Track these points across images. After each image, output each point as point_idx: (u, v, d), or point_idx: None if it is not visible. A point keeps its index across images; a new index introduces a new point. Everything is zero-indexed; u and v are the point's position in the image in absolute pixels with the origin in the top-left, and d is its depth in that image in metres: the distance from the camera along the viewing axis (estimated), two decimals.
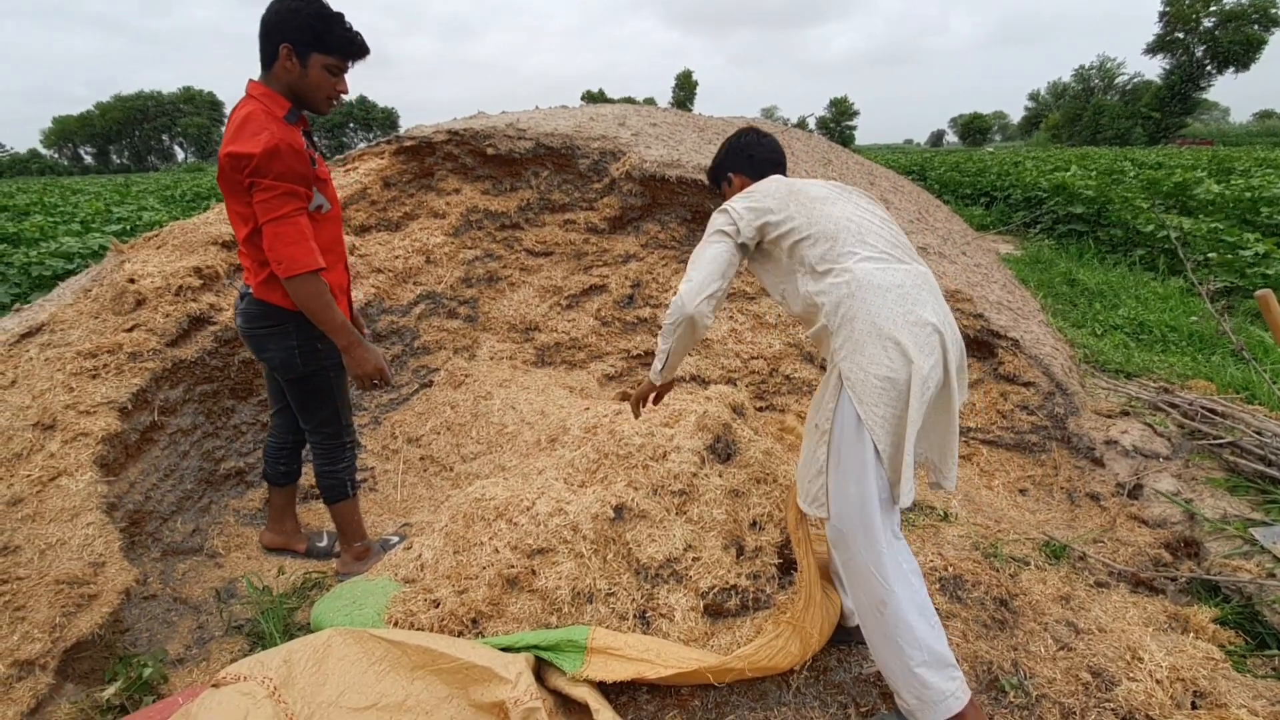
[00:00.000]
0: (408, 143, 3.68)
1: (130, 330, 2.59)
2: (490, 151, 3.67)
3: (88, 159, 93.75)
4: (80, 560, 2.00)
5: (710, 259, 1.82)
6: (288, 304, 2.10)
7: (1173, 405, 3.37)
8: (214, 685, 1.60)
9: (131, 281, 2.68)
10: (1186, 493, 2.77)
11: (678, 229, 3.77)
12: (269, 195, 1.91)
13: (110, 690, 1.85)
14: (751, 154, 2.11)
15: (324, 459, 2.40)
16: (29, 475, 2.15)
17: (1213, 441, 3.03)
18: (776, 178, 1.94)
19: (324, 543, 2.70)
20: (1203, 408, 3.27)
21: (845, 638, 2.00)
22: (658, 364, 1.92)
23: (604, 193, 3.73)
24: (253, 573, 2.53)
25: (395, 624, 1.95)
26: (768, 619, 1.88)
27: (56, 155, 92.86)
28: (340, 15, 2.03)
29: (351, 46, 2.07)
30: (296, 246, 1.95)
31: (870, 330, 1.57)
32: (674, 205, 3.70)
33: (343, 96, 2.16)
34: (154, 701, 1.87)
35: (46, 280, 5.93)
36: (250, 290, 2.16)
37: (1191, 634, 2.09)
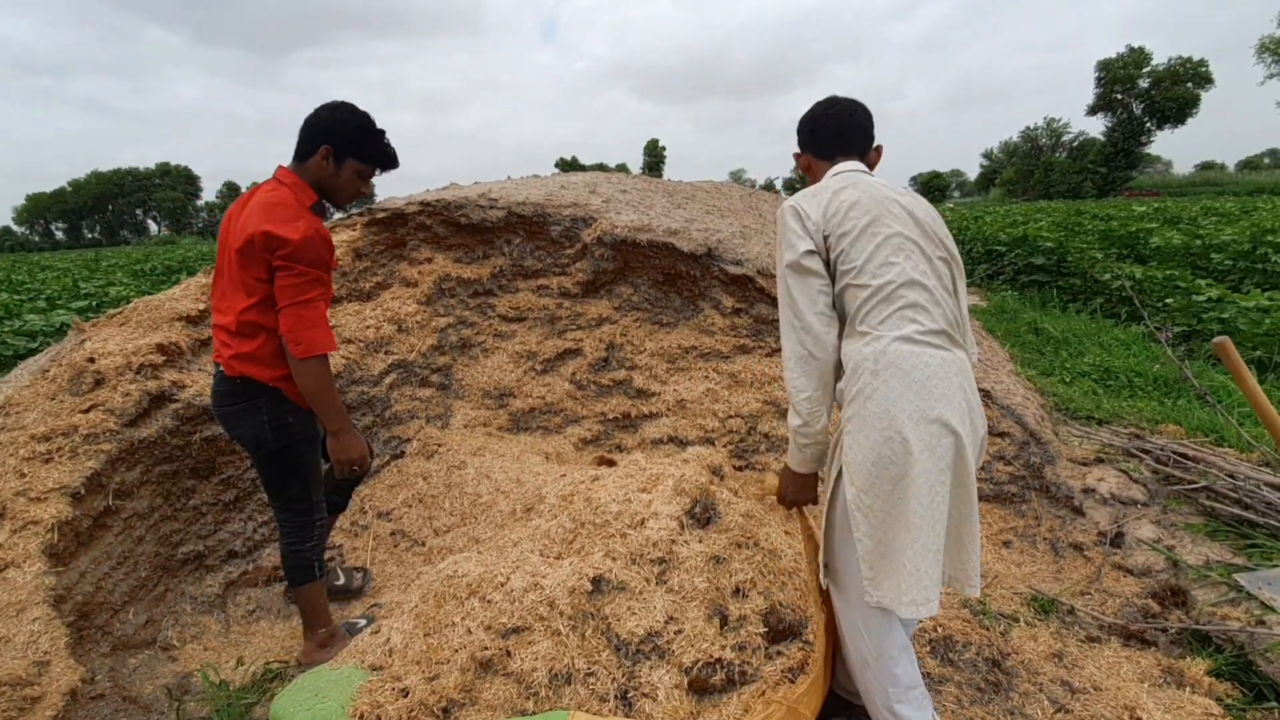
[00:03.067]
0: (380, 214, 3.71)
1: (87, 411, 2.50)
2: (463, 221, 3.71)
3: (59, 234, 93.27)
4: (24, 659, 1.87)
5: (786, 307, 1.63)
6: (260, 377, 2.11)
7: (1145, 451, 3.41)
8: None
9: (91, 361, 2.61)
10: (1168, 539, 2.77)
11: (650, 291, 3.80)
12: (299, 280, 2.01)
13: None
14: (814, 127, 1.82)
15: (291, 537, 2.31)
16: None
17: (1188, 486, 3.05)
18: (848, 190, 1.62)
19: (341, 580, 2.72)
20: (1174, 453, 3.31)
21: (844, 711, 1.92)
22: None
23: (576, 258, 3.77)
24: (209, 665, 2.38)
25: (360, 717, 1.83)
26: (755, 699, 1.79)
27: (28, 232, 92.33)
28: (382, 131, 2.21)
29: (385, 160, 2.24)
30: (317, 330, 2.05)
31: (881, 416, 1.48)
32: (646, 268, 3.74)
33: (364, 195, 2.33)
34: None
35: (7, 360, 5.78)
36: (220, 368, 2.16)
37: (1188, 688, 2.05)
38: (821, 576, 1.79)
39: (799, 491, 1.76)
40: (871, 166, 1.82)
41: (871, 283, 1.53)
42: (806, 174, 1.87)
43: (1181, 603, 2.47)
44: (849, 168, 1.73)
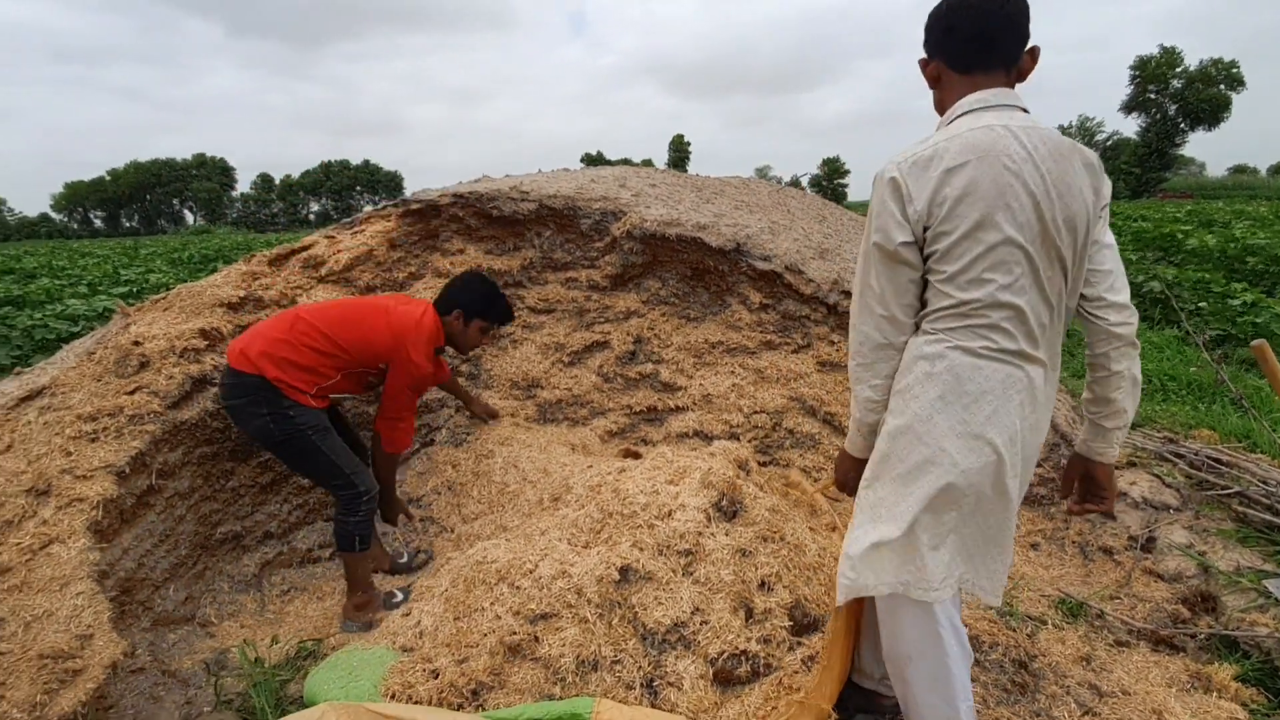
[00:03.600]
0: (414, 206, 3.76)
1: (132, 393, 2.58)
2: (494, 213, 3.75)
3: (97, 223, 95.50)
4: (67, 633, 1.93)
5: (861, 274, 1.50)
6: (256, 374, 2.36)
7: (1179, 455, 3.35)
8: None
9: (136, 344, 2.69)
10: (1199, 545, 2.73)
11: (678, 285, 3.81)
12: (405, 398, 2.62)
13: None
14: (950, 23, 1.45)
15: (341, 509, 2.55)
16: (19, 543, 2.10)
17: (1221, 492, 3.00)
18: (967, 169, 1.34)
19: (404, 559, 2.93)
20: (1208, 458, 3.25)
21: (866, 705, 1.92)
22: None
23: (605, 251, 3.79)
24: (246, 642, 2.45)
25: (392, 696, 1.88)
26: (780, 697, 1.80)
27: (66, 219, 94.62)
28: (504, 296, 2.84)
29: (506, 318, 2.87)
30: (407, 435, 2.71)
31: (923, 421, 1.43)
32: (674, 263, 3.75)
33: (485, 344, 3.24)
34: None
35: (50, 343, 5.95)
36: (227, 363, 2.44)
37: (1215, 693, 2.03)
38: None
39: (858, 476, 1.64)
40: (1024, 76, 1.49)
41: (956, 294, 1.39)
42: (934, 86, 1.55)
43: (1211, 608, 2.44)
44: (987, 102, 1.42)
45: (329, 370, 2.48)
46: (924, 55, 1.55)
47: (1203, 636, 2.30)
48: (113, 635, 2.00)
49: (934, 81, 1.54)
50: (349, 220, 3.85)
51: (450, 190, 3.86)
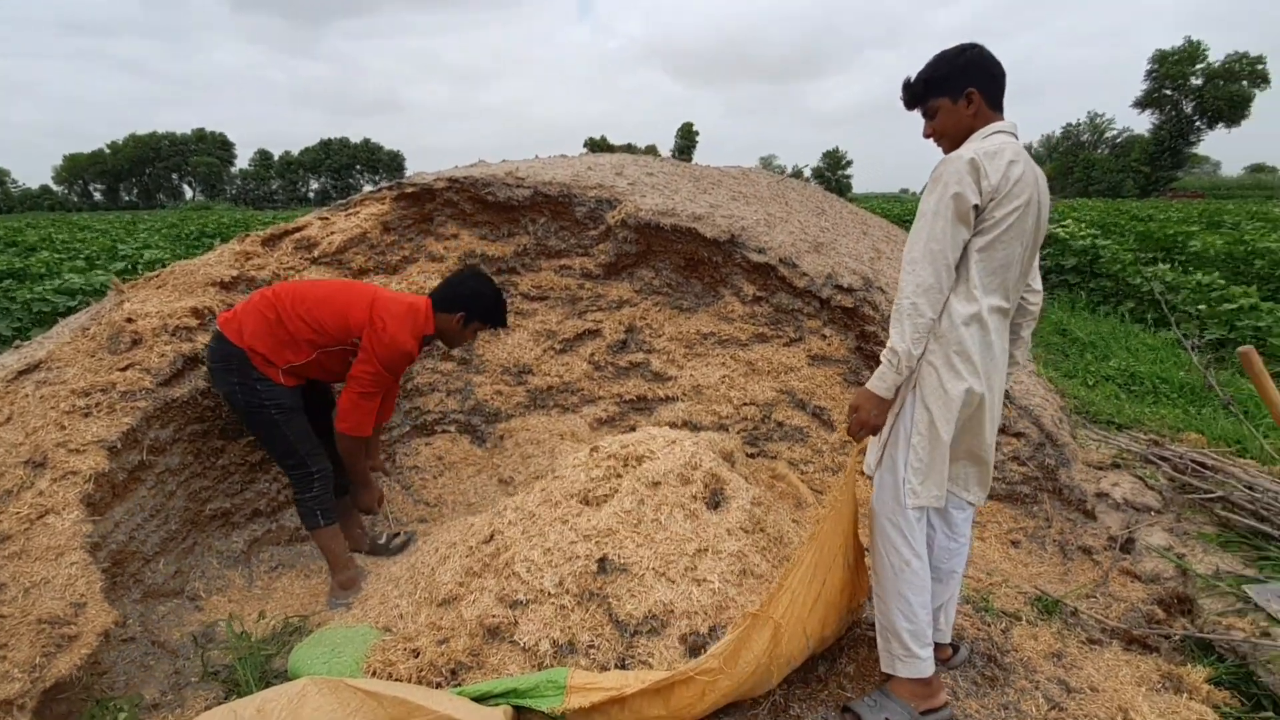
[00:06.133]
0: (409, 189, 3.76)
1: (125, 369, 2.60)
2: (489, 199, 3.75)
3: (97, 196, 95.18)
4: (62, 600, 1.98)
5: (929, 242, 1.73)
6: (238, 342, 2.42)
7: (1163, 458, 3.37)
8: None
9: (129, 321, 2.71)
10: (1179, 547, 2.75)
11: (671, 275, 3.82)
12: (372, 374, 2.49)
13: None
14: (994, 72, 1.79)
15: (294, 488, 2.60)
16: (18, 513, 2.14)
17: (1204, 496, 3.03)
18: (1018, 165, 1.69)
19: (383, 540, 2.96)
20: (1193, 461, 3.27)
21: None
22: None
23: (599, 240, 3.80)
24: (233, 616, 2.49)
25: (374, 673, 1.92)
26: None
27: (67, 191, 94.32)
28: (505, 302, 2.79)
29: (501, 323, 2.82)
30: (367, 417, 2.56)
31: (970, 370, 1.75)
32: (668, 253, 3.76)
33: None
34: None
35: (48, 316, 5.98)
36: (217, 325, 2.49)
37: (1185, 694, 2.06)
38: (873, 469, 1.93)
39: (880, 416, 1.81)
40: None
41: (991, 261, 1.72)
42: (962, 115, 1.81)
43: (1187, 611, 2.47)
44: (1009, 129, 1.79)
45: (304, 348, 2.48)
46: (970, 89, 1.79)
47: (1177, 638, 2.33)
48: (105, 605, 2.05)
49: (972, 113, 1.81)
50: (342, 202, 3.85)
51: (445, 174, 3.86)
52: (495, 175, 3.79)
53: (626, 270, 3.88)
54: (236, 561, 2.83)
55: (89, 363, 2.64)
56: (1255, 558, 2.66)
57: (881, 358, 1.76)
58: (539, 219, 3.86)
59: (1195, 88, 46.90)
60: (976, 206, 1.67)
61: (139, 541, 2.53)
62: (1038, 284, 1.98)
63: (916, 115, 1.91)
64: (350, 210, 3.71)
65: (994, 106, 1.81)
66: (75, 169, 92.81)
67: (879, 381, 1.76)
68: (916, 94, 1.87)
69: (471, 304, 2.68)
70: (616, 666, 1.85)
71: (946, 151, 1.84)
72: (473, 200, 3.79)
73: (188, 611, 2.55)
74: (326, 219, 3.65)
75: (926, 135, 1.90)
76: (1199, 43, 47.14)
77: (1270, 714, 1.98)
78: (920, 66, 1.87)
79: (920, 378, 1.78)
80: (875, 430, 1.84)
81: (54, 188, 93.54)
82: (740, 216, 3.76)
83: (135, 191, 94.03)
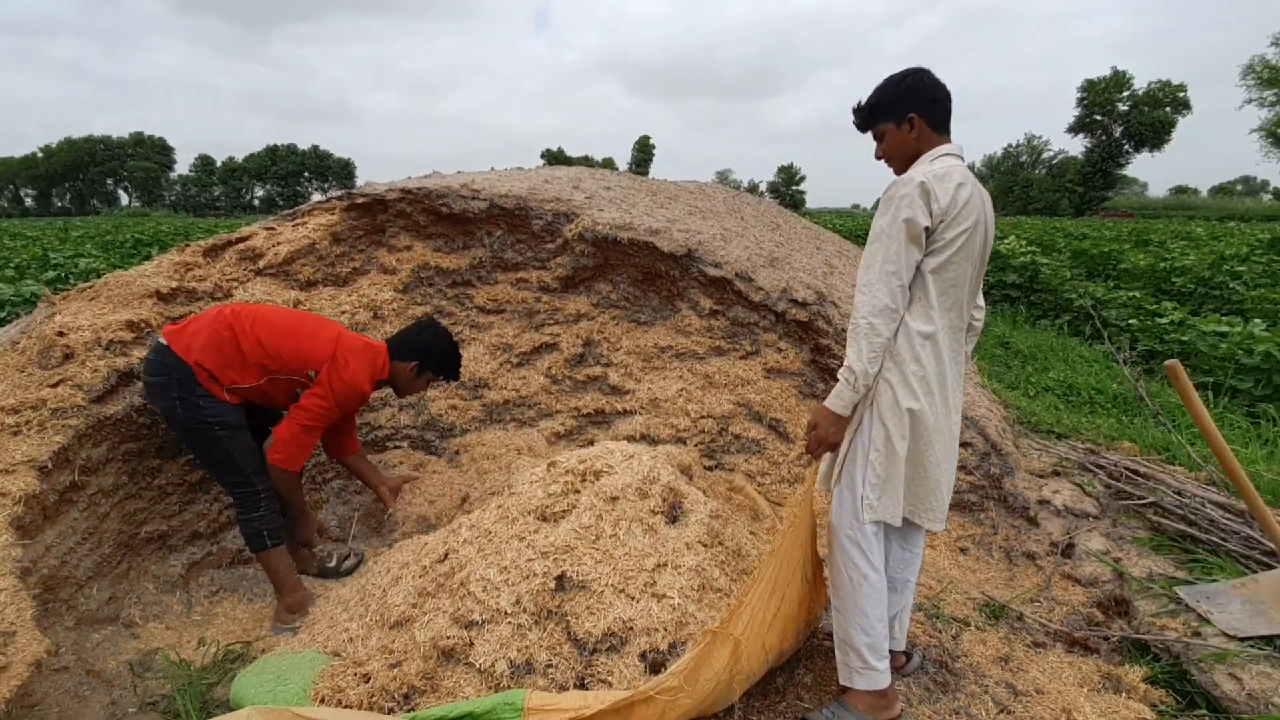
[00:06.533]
0: (360, 199, 3.69)
1: (56, 385, 2.47)
2: (444, 210, 3.71)
3: (28, 201, 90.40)
4: None
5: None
6: (184, 356, 2.33)
7: (1099, 466, 3.53)
8: None
9: (61, 334, 2.58)
10: (1115, 552, 2.88)
11: (629, 289, 3.83)
12: (320, 410, 2.45)
13: None
14: (935, 96, 1.85)
15: (239, 508, 2.49)
16: None
17: (1137, 501, 3.17)
18: (966, 188, 1.75)
19: (333, 562, 2.88)
20: (1127, 469, 3.43)
21: None
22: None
23: (557, 253, 3.79)
24: (171, 645, 2.38)
25: (322, 701, 1.85)
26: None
27: None
28: (460, 357, 2.84)
29: (455, 377, 2.86)
30: (303, 452, 2.50)
31: (925, 386, 1.80)
32: (626, 266, 3.77)
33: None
34: None
35: None
36: (160, 337, 2.39)
37: (1124, 694, 2.14)
38: (832, 484, 1.96)
39: (837, 433, 1.86)
40: None
41: (943, 280, 1.78)
42: (906, 139, 1.87)
43: (1124, 612, 2.57)
44: (956, 152, 1.84)
45: (254, 372, 2.41)
46: (912, 113, 1.84)
47: (1115, 639, 2.42)
48: (36, 634, 1.95)
49: (915, 136, 1.87)
50: (290, 212, 3.75)
51: (399, 185, 3.80)
52: (450, 187, 3.75)
53: (584, 284, 3.88)
54: (174, 586, 2.70)
55: (18, 378, 2.50)
56: (1185, 560, 2.80)
57: (839, 376, 1.80)
58: (495, 231, 3.83)
59: (1123, 113, 49.73)
60: (927, 229, 1.73)
61: (71, 566, 2.40)
62: (981, 300, 2.07)
63: (864, 135, 1.99)
64: (298, 220, 3.62)
65: (938, 129, 1.86)
66: (5, 173, 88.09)
67: (836, 400, 1.81)
68: (864, 119, 1.95)
69: (426, 355, 2.71)
70: (576, 686, 1.82)
71: (897, 173, 1.91)
72: (427, 212, 3.74)
73: (124, 639, 2.43)
74: (273, 229, 3.54)
75: (877, 157, 1.99)
76: (1124, 72, 50.27)
77: (1203, 712, 2.08)
78: (869, 90, 1.94)
79: (877, 395, 1.82)
80: (833, 447, 1.89)
81: None
82: (697, 231, 3.80)
83: (68, 197, 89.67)
